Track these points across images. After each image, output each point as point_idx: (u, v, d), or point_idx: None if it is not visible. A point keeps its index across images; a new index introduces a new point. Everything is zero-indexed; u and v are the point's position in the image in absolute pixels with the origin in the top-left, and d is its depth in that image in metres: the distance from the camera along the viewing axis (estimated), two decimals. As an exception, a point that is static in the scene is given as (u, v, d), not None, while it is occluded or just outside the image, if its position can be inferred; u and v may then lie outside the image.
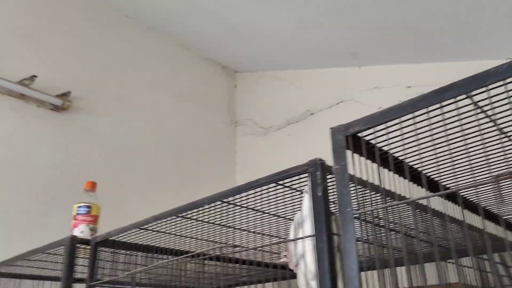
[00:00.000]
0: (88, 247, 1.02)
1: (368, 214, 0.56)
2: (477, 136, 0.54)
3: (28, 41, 2.18)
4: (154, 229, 0.95)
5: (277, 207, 0.78)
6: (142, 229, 0.96)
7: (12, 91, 2.04)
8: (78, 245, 1.00)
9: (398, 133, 0.60)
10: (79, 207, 1.18)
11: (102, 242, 1.00)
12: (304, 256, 0.63)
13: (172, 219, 0.88)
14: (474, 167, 0.69)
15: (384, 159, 0.61)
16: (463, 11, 1.88)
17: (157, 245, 1.07)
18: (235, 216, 0.80)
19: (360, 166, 0.62)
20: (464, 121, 0.53)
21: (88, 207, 1.18)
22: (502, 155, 0.53)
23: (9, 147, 1.97)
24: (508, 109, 0.51)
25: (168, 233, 0.91)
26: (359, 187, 0.57)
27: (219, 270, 1.23)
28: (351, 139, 0.59)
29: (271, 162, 2.79)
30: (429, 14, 1.97)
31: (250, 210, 0.78)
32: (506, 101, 0.51)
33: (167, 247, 1.00)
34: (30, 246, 1.29)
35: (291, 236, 0.68)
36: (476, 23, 1.92)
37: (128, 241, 1.00)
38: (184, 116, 2.78)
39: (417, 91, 2.18)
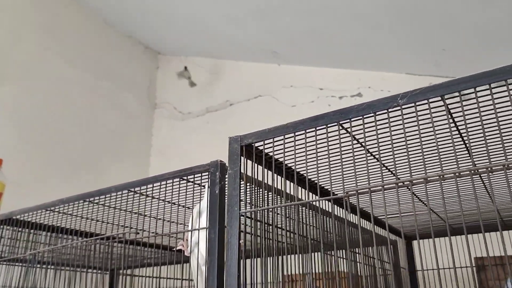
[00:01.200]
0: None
1: (249, 212, 0.66)
2: (349, 154, 0.66)
3: None
4: (61, 211, 0.98)
5: (181, 197, 0.85)
6: (48, 210, 0.98)
7: None
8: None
9: (289, 145, 0.70)
10: (-17, 183, 1.16)
11: (5, 220, 1.00)
12: (198, 244, 0.72)
13: (80, 203, 0.92)
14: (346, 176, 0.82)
15: (277, 166, 0.71)
16: (368, 28, 2.08)
17: (64, 226, 1.09)
18: (141, 203, 0.86)
19: (258, 172, 0.71)
20: (332, 142, 0.65)
21: (-7, 183, 1.17)
22: (365, 170, 0.66)
23: None
24: (372, 136, 0.63)
25: (74, 215, 0.95)
26: (249, 189, 0.67)
27: (126, 252, 1.28)
28: (244, 148, 0.68)
29: (187, 148, 2.85)
30: (337, 25, 2.14)
31: (156, 199, 0.85)
32: (374, 129, 0.63)
33: (74, 228, 1.04)
34: None
35: (189, 226, 0.76)
36: (375, 38, 2.13)
37: (33, 221, 1.02)
38: (101, 94, 2.73)
39: (327, 94, 2.37)
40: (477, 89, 0.57)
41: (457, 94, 0.59)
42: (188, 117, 2.92)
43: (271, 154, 0.69)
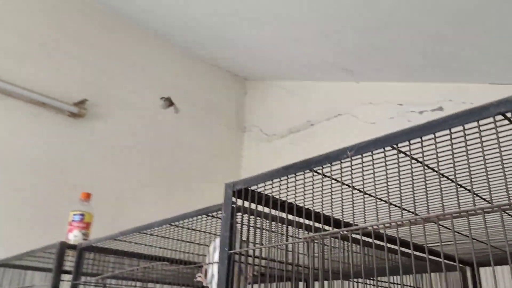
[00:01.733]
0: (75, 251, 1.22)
1: (238, 253, 0.72)
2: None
3: (46, 51, 2.41)
4: (126, 240, 1.13)
5: (205, 232, 0.94)
6: (116, 240, 1.15)
7: (34, 99, 2.28)
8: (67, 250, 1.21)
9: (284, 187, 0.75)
10: (74, 215, 1.39)
11: (86, 248, 1.19)
12: (214, 276, 0.80)
13: (136, 233, 1.06)
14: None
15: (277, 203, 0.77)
16: (450, 35, 1.97)
17: (135, 251, 1.26)
18: (180, 236, 0.97)
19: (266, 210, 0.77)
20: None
21: (82, 215, 1.38)
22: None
23: (25, 146, 2.22)
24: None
25: (130, 242, 1.10)
26: (244, 227, 0.73)
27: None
28: (237, 193, 0.75)
29: (272, 166, 2.94)
30: (414, 37, 2.07)
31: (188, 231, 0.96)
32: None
33: (139, 252, 1.19)
34: (40, 241, 1.51)
35: (207, 260, 0.85)
36: (461, 47, 2.01)
37: (106, 247, 1.19)
38: (193, 121, 2.98)
39: (407, 109, 2.29)
40: None
41: None
42: (273, 138, 3.03)
43: (271, 194, 0.74)
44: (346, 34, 2.24)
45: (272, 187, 0.72)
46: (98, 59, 2.61)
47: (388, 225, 0.66)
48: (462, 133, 0.58)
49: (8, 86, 2.19)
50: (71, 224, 1.37)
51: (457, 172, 0.62)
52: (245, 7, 2.47)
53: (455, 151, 0.63)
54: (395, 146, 0.60)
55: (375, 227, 0.64)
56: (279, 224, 0.79)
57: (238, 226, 0.80)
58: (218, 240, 0.83)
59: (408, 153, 0.64)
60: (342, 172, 0.67)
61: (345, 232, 0.69)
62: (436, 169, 0.71)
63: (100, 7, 2.69)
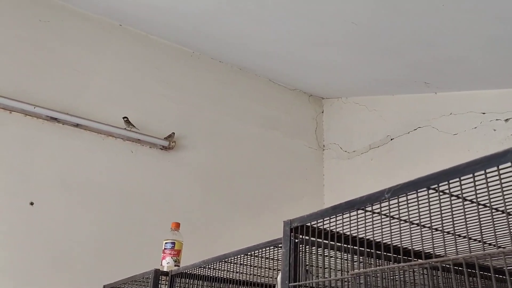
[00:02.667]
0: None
1: (297, 286, 0.78)
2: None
3: (138, 93, 2.70)
4: (210, 267, 1.26)
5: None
6: (203, 267, 1.28)
7: (131, 137, 2.56)
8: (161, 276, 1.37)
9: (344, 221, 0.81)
10: (166, 243, 1.56)
11: (177, 274, 1.34)
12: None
13: (217, 262, 1.19)
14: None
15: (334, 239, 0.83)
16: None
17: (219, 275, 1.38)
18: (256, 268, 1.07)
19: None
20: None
21: (173, 243, 1.55)
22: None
23: (123, 180, 2.49)
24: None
25: (214, 268, 1.23)
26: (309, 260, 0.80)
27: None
28: (294, 230, 0.82)
29: (355, 185, 2.95)
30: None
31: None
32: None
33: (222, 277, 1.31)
34: (136, 267, 1.71)
35: (277, 289, 0.93)
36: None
37: (194, 273, 1.33)
38: (273, 143, 3.10)
39: (491, 118, 2.19)
40: None
41: None
42: (353, 155, 3.04)
43: (331, 229, 0.81)
44: (417, 48, 2.22)
45: (323, 224, 0.78)
46: (184, 96, 2.85)
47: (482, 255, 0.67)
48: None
49: (110, 128, 2.49)
50: (164, 252, 1.54)
51: None
52: (315, 31, 2.55)
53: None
54: (434, 187, 0.63)
55: (471, 257, 0.65)
56: (343, 254, 0.85)
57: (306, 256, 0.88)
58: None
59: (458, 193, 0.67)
60: (390, 208, 0.72)
61: (434, 262, 0.69)
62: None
63: (183, 49, 2.95)
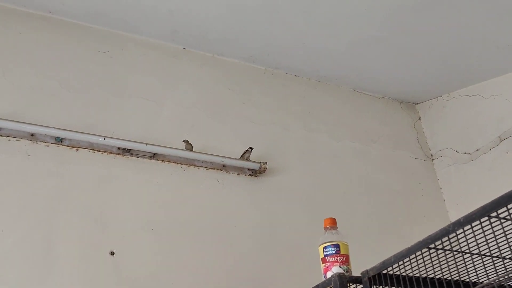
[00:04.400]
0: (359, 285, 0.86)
1: None
2: None
3: (209, 114, 2.31)
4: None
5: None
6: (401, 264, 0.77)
7: (215, 163, 2.14)
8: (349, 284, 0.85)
9: None
10: (326, 247, 1.05)
11: (375, 277, 0.83)
12: None
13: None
14: None
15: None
16: None
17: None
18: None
19: None
20: None
21: (336, 246, 1.05)
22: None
23: (214, 215, 2.02)
24: None
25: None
26: None
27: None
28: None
29: (487, 188, 2.36)
30: None
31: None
32: None
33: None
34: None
35: None
36: None
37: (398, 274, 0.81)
38: (374, 159, 2.59)
39: None
40: None
41: None
42: (477, 154, 2.47)
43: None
44: None
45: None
46: (265, 115, 2.45)
47: None
48: None
49: (192, 154, 2.09)
50: (325, 261, 1.04)
51: None
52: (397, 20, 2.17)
53: None
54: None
55: None
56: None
57: None
58: None
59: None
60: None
61: None
62: None
63: (254, 67, 2.61)
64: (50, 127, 1.89)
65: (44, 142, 1.90)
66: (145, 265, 1.81)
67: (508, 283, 0.73)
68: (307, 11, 2.22)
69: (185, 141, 2.10)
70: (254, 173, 2.22)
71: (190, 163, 2.11)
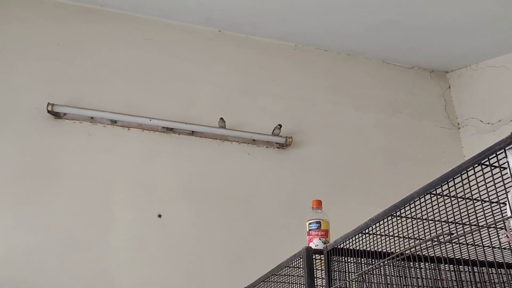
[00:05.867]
0: (322, 256, 1.13)
1: None
2: None
3: (242, 92, 2.57)
4: (374, 233, 1.00)
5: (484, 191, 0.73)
6: (364, 233, 1.02)
7: (246, 138, 2.43)
8: (314, 255, 1.13)
9: None
10: (310, 223, 1.32)
11: (332, 251, 1.10)
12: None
13: (389, 219, 0.91)
14: None
15: None
16: None
17: (381, 249, 1.10)
18: (445, 208, 0.78)
19: None
20: None
21: (318, 222, 1.31)
22: None
23: (244, 184, 2.33)
24: None
25: (385, 235, 0.95)
26: None
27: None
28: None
29: None
30: None
31: (461, 199, 0.76)
32: None
33: (390, 250, 1.03)
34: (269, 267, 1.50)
35: (508, 212, 0.63)
36: None
37: (354, 248, 1.07)
38: (399, 128, 2.75)
39: None
40: None
41: None
42: (499, 125, 2.56)
43: None
44: None
45: None
46: (293, 91, 2.67)
47: None
48: None
49: (225, 131, 2.38)
50: (309, 234, 1.31)
51: None
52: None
53: None
54: None
55: None
56: None
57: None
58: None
59: None
60: None
61: None
62: None
63: (285, 44, 2.80)
64: (106, 111, 2.25)
65: (101, 123, 2.27)
66: (186, 226, 2.18)
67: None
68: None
69: (221, 118, 2.38)
70: (281, 146, 2.48)
71: (224, 138, 2.41)
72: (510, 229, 0.65)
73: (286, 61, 2.76)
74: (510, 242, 0.66)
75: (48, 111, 2.16)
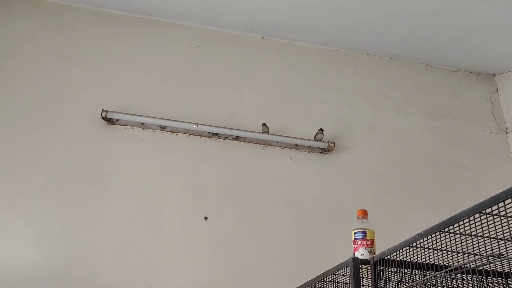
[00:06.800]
0: (369, 266, 1.16)
1: None
2: None
3: (284, 97, 2.62)
4: (422, 246, 1.02)
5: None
6: (411, 246, 1.05)
7: (288, 143, 2.47)
8: (360, 265, 1.16)
9: None
10: (356, 232, 1.36)
11: (380, 261, 1.13)
12: None
13: (436, 234, 0.94)
14: None
15: None
16: None
17: (427, 261, 1.13)
18: (496, 226, 0.80)
19: None
20: None
21: (364, 232, 1.34)
22: None
23: (287, 188, 2.38)
24: None
25: (433, 249, 0.97)
26: None
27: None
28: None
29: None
30: None
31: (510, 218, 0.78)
32: None
33: (436, 263, 1.05)
34: (315, 273, 1.54)
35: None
36: None
37: (401, 259, 1.10)
38: (440, 134, 2.71)
39: None
40: None
41: None
42: (550, 131, 2.49)
43: None
44: None
45: None
46: (336, 96, 2.69)
47: None
48: None
49: (268, 136, 2.44)
50: (355, 243, 1.34)
51: None
52: None
53: None
54: None
55: None
56: None
57: None
58: None
59: None
60: None
61: None
62: None
63: (327, 49, 2.82)
64: (155, 117, 2.35)
65: (151, 129, 2.38)
66: (230, 228, 2.25)
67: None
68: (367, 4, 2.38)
69: (264, 124, 2.44)
70: (324, 151, 2.51)
71: (267, 143, 2.47)
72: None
73: (328, 66, 2.79)
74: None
75: (102, 118, 2.29)
